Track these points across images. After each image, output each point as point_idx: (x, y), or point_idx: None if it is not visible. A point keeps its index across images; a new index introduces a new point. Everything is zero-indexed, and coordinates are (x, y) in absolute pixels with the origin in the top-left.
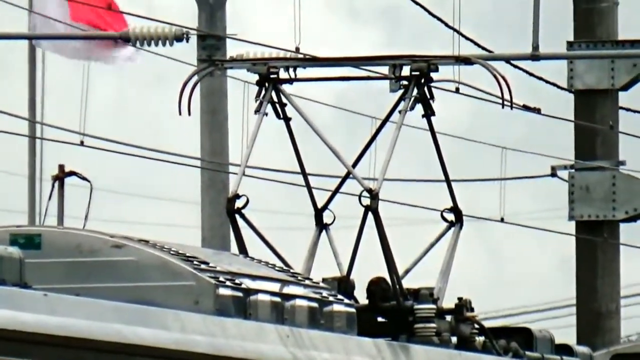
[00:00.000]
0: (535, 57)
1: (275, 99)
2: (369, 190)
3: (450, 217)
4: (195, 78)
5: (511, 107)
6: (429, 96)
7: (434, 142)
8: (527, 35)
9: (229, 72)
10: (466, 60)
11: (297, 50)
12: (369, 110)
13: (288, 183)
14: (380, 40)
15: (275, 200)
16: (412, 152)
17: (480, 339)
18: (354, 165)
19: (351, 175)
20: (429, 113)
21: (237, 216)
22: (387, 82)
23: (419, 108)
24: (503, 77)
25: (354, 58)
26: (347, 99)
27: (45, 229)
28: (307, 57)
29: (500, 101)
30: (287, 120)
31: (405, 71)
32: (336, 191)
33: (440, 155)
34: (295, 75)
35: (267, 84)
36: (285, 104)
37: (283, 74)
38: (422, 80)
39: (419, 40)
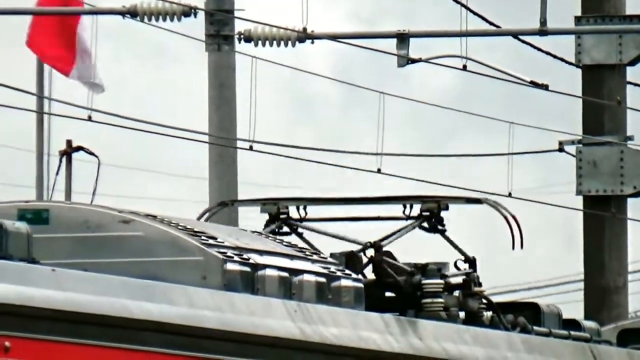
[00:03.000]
0: (542, 32)
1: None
2: (373, 244)
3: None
4: (207, 215)
5: (521, 247)
6: (440, 227)
7: (455, 247)
8: (534, 10)
9: (237, 47)
10: (476, 201)
11: (305, 30)
12: (373, 83)
13: (291, 157)
14: (382, 15)
15: (276, 174)
16: (416, 127)
17: (488, 314)
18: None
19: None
20: (442, 236)
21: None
22: (393, 57)
23: (423, 82)
24: (513, 217)
25: (365, 199)
26: (351, 73)
27: (53, 204)
28: (317, 197)
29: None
30: (300, 235)
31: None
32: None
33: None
34: (306, 214)
35: (277, 222)
36: (297, 229)
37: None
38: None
39: (424, 16)
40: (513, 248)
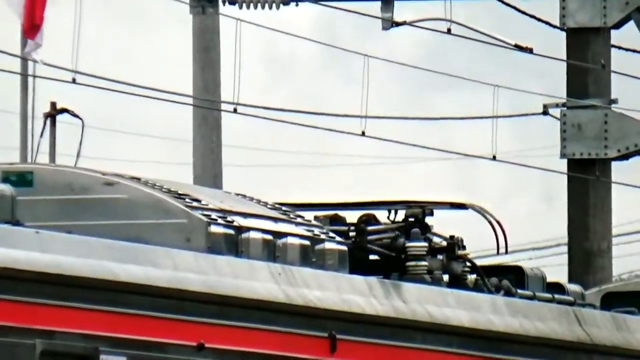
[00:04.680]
0: None
1: None
2: (356, 226)
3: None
4: None
5: (506, 252)
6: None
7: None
8: None
9: (222, 9)
10: (461, 206)
11: None
12: (359, 46)
13: (275, 120)
14: None
15: (261, 137)
16: (400, 90)
17: (472, 277)
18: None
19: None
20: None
21: None
22: (377, 21)
23: (407, 40)
24: (498, 222)
25: (349, 204)
26: (336, 35)
27: (37, 167)
28: (303, 203)
29: None
30: None
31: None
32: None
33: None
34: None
35: None
36: None
37: None
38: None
39: None
40: (498, 252)
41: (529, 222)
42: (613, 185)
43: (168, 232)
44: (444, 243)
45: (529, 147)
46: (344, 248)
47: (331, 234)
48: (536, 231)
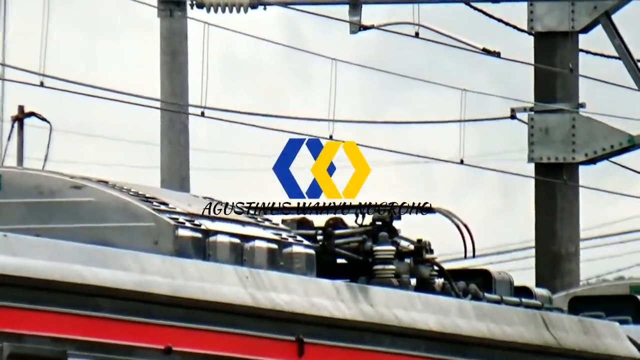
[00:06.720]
0: None
1: None
2: (324, 230)
3: None
4: None
5: (473, 256)
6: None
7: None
8: None
9: (189, 13)
10: (428, 209)
11: None
12: (324, 45)
13: (243, 124)
14: None
15: (224, 140)
16: (364, 95)
17: (439, 280)
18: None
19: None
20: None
21: None
22: (345, 24)
23: (381, 45)
24: (465, 226)
25: (317, 207)
26: (303, 38)
27: (5, 170)
28: (271, 206)
29: None
30: None
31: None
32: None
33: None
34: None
35: None
36: None
37: None
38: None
39: None
40: (465, 256)
41: (495, 225)
42: (580, 190)
43: (135, 236)
44: (412, 247)
45: (495, 150)
46: (312, 251)
47: (299, 238)
48: (504, 234)
